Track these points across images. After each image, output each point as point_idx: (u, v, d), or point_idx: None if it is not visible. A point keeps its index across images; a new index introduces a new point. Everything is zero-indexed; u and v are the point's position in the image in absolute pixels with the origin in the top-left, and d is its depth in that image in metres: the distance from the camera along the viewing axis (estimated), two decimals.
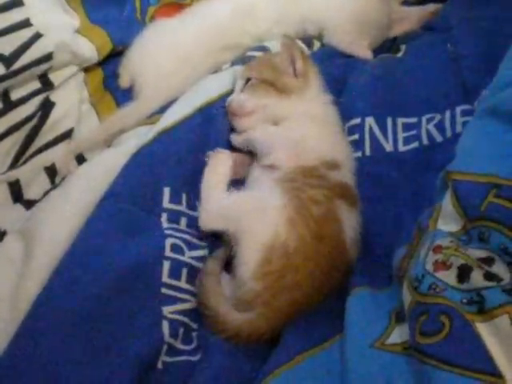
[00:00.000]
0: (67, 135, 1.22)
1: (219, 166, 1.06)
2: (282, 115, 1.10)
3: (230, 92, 1.17)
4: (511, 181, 0.77)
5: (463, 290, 0.74)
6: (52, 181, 1.18)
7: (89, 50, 1.26)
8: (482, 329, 0.71)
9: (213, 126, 1.13)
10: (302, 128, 1.07)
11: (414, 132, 1.12)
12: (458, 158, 0.86)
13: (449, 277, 0.76)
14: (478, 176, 0.81)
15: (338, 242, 0.96)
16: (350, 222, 0.99)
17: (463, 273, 0.75)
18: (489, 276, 0.73)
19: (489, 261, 0.75)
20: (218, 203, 1.01)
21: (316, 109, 1.11)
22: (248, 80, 1.13)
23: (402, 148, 1.11)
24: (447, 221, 0.83)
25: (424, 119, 1.13)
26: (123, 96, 1.30)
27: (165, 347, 0.93)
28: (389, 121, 1.14)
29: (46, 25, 1.19)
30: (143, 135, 1.12)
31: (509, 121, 0.83)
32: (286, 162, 1.02)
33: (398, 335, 0.81)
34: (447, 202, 0.84)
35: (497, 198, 0.77)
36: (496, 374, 0.68)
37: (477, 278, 0.74)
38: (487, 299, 0.72)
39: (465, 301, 0.73)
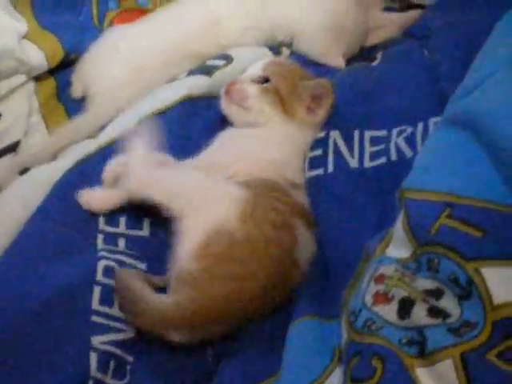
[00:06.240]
0: (13, 148, 1.16)
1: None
2: (269, 131, 1.03)
3: (183, 100, 1.11)
4: (465, 199, 0.67)
5: (403, 327, 0.63)
6: None
7: (37, 57, 1.19)
8: (422, 375, 0.60)
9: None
10: (275, 149, 1.02)
11: (382, 146, 1.00)
12: (413, 174, 0.76)
13: (388, 312, 0.65)
14: (432, 194, 0.70)
15: (289, 255, 0.89)
16: (305, 243, 0.91)
17: (404, 307, 0.64)
18: (434, 312, 0.62)
19: (437, 293, 0.64)
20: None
21: (301, 139, 1.05)
22: (266, 79, 1.05)
23: (367, 164, 1.00)
24: (398, 246, 0.72)
25: (394, 132, 1.01)
26: (77, 108, 1.22)
27: (90, 382, 0.83)
28: (356, 134, 1.03)
29: None
30: (82, 149, 1.05)
31: (466, 129, 0.73)
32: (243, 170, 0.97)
33: (338, 376, 0.70)
34: (399, 224, 0.73)
35: (449, 218, 0.67)
36: None
37: (419, 314, 0.63)
38: (429, 339, 0.61)
39: (404, 341, 0.62)
